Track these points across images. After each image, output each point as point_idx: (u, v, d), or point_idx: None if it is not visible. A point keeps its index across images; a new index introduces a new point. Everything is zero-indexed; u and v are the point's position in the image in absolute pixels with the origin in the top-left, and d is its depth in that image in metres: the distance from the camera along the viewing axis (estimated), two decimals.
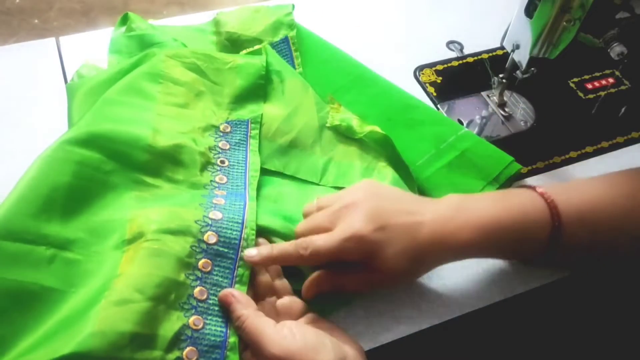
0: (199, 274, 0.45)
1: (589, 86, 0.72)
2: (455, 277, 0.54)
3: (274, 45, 0.67)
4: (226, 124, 0.58)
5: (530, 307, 0.57)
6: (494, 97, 0.69)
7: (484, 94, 0.70)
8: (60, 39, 0.71)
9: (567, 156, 0.65)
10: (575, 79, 0.73)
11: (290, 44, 0.68)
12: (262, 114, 0.60)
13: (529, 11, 0.58)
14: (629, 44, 0.58)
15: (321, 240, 0.46)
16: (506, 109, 0.68)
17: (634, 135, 0.67)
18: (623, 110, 0.70)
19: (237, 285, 0.46)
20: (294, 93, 0.61)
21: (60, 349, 0.39)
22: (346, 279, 0.48)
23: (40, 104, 0.64)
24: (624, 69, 0.74)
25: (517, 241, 0.49)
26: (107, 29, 0.72)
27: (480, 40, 0.75)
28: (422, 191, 0.58)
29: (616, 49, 0.58)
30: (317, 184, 0.57)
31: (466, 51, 0.75)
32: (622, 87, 0.73)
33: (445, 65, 0.73)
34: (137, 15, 0.69)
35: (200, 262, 0.46)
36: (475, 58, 0.74)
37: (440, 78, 0.71)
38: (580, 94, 0.71)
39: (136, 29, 0.67)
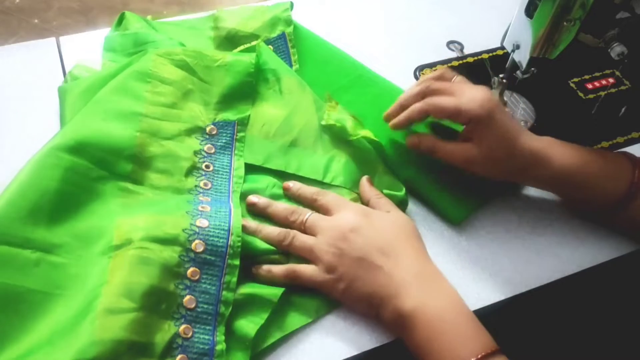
0: (188, 283, 0.46)
1: (589, 86, 0.72)
2: (455, 277, 0.54)
3: (270, 42, 0.67)
4: (212, 126, 0.58)
5: (530, 307, 0.57)
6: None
7: None
8: (60, 39, 0.71)
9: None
10: (575, 79, 0.73)
11: (287, 40, 0.68)
12: (249, 115, 0.60)
13: (529, 11, 0.58)
14: (629, 44, 0.58)
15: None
16: (506, 109, 0.68)
17: (634, 135, 0.67)
18: (623, 110, 0.70)
19: (224, 292, 0.47)
20: (292, 92, 0.61)
21: (61, 357, 0.40)
22: (446, 146, 0.55)
23: (40, 103, 0.64)
24: (624, 69, 0.74)
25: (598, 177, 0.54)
26: (106, 29, 0.71)
27: (480, 40, 0.75)
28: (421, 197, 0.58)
29: (616, 49, 0.58)
30: (321, 182, 0.57)
31: (466, 51, 0.75)
32: (622, 87, 0.73)
33: (446, 65, 0.73)
34: (133, 14, 0.69)
35: (189, 271, 0.46)
36: (475, 58, 0.74)
37: None
38: (580, 94, 0.71)
39: (131, 27, 0.67)
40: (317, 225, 0.51)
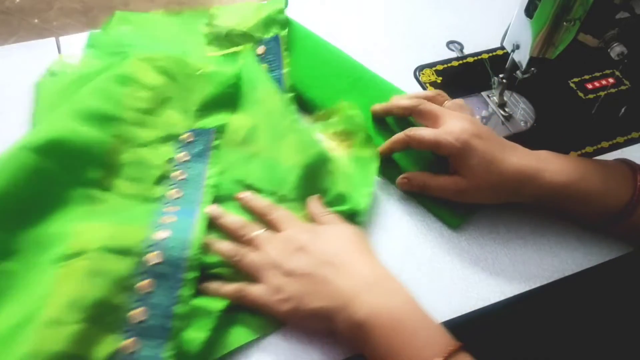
0: (140, 295, 0.45)
1: (589, 86, 0.72)
2: (455, 277, 0.54)
3: (264, 42, 0.67)
4: (190, 133, 0.57)
5: (530, 307, 0.57)
6: (494, 97, 0.69)
7: (484, 94, 0.70)
8: (60, 39, 0.71)
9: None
10: (575, 79, 0.73)
11: (280, 43, 0.67)
12: (227, 124, 0.59)
13: (529, 11, 0.58)
14: (629, 44, 0.58)
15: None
16: (506, 109, 0.68)
17: (634, 135, 0.67)
18: (623, 110, 0.70)
19: (177, 306, 0.45)
20: (264, 101, 0.59)
21: None
22: (436, 181, 0.56)
23: None
24: (624, 69, 0.74)
25: (599, 189, 0.53)
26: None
27: (480, 40, 0.75)
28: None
29: (616, 49, 0.58)
30: (276, 194, 0.55)
31: (466, 51, 0.75)
32: (622, 87, 0.73)
33: (445, 65, 0.73)
34: (125, 14, 0.69)
35: (143, 283, 0.45)
36: (475, 58, 0.74)
37: (440, 78, 0.71)
38: (580, 94, 0.71)
39: (118, 28, 0.67)
40: (265, 244, 0.50)
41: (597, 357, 0.65)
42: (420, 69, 0.72)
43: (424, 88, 0.70)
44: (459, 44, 0.76)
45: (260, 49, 0.67)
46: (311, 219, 0.54)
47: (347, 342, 0.47)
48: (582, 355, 0.64)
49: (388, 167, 0.59)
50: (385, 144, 0.59)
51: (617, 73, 0.74)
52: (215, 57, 0.66)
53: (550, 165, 0.54)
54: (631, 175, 0.54)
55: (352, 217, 0.55)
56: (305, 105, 0.65)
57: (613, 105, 0.70)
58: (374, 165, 0.58)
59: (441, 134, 0.55)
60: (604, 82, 0.73)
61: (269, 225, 0.53)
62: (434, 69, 0.72)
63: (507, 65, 0.65)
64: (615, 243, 0.57)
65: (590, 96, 0.71)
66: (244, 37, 0.67)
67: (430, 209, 0.58)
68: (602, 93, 0.72)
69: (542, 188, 0.53)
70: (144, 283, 0.45)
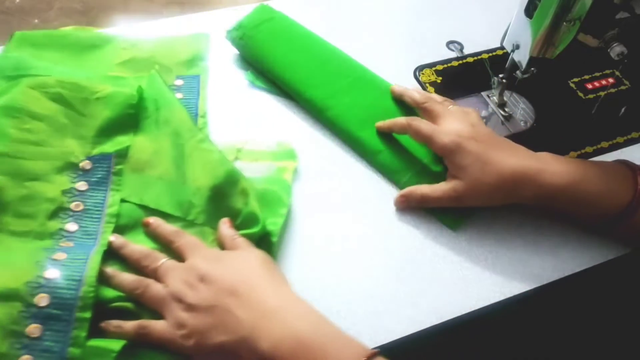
0: (26, 341, 0.42)
1: (589, 86, 0.72)
2: (455, 277, 0.54)
3: (183, 77, 0.66)
4: (87, 161, 0.55)
5: (530, 307, 0.57)
6: (494, 97, 0.69)
7: (484, 94, 0.70)
8: None
9: (567, 156, 0.65)
10: (575, 79, 0.73)
11: (200, 83, 0.66)
12: (128, 146, 0.56)
13: (529, 11, 0.58)
14: (629, 44, 0.58)
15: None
16: (506, 109, 0.68)
17: (634, 135, 0.67)
18: (623, 110, 0.70)
19: (71, 349, 0.43)
20: (168, 123, 0.57)
21: None
22: (434, 189, 0.56)
23: None
24: (624, 69, 0.74)
25: (599, 191, 0.53)
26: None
27: (480, 40, 0.75)
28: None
29: (616, 49, 0.58)
30: (183, 219, 0.53)
31: (466, 51, 0.75)
32: (622, 87, 0.73)
33: (445, 65, 0.73)
34: (25, 34, 0.67)
35: (29, 328, 0.43)
36: (475, 58, 0.74)
37: (440, 78, 0.71)
38: (580, 94, 0.71)
39: (16, 51, 0.65)
40: (167, 274, 0.48)
41: (597, 357, 0.65)
42: (420, 69, 0.72)
43: (424, 88, 0.70)
44: (459, 44, 0.76)
45: (179, 82, 0.66)
46: (221, 243, 0.52)
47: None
48: (582, 355, 0.64)
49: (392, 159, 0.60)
50: (386, 122, 0.61)
51: (617, 73, 0.74)
52: (117, 77, 0.64)
53: (550, 166, 0.54)
54: (631, 176, 0.54)
55: (264, 238, 0.52)
56: (305, 104, 0.65)
57: (613, 105, 0.70)
58: (290, 185, 0.57)
59: (438, 131, 0.57)
60: (604, 82, 0.73)
61: (176, 253, 0.51)
62: (434, 69, 0.72)
63: (507, 65, 0.65)
64: (615, 243, 0.57)
65: (590, 96, 0.71)
66: (162, 68, 0.65)
67: (431, 211, 0.58)
68: (602, 93, 0.72)
69: (541, 189, 0.53)
70: (31, 328, 0.43)
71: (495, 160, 0.54)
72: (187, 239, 0.51)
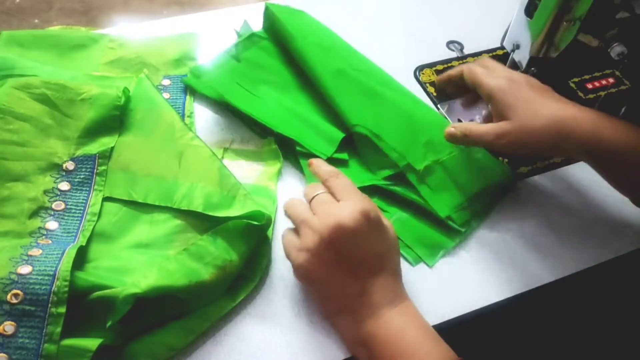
0: (0, 340, 0.42)
1: (589, 86, 0.72)
2: (455, 277, 0.54)
3: (172, 77, 0.66)
4: (71, 161, 0.55)
5: (530, 307, 0.57)
6: None
7: None
8: None
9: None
10: (576, 79, 0.73)
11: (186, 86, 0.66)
12: (112, 147, 0.57)
13: (529, 11, 0.58)
14: (629, 44, 0.58)
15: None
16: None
17: None
18: (623, 110, 0.70)
19: (46, 345, 0.43)
20: (157, 123, 0.58)
21: None
22: (479, 126, 0.56)
23: None
24: (624, 69, 0.74)
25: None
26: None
27: (480, 40, 0.76)
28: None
29: (616, 49, 0.58)
30: (172, 207, 0.53)
31: (466, 51, 0.75)
32: (622, 87, 0.73)
33: (445, 65, 0.73)
34: (13, 34, 0.67)
35: (2, 326, 0.43)
36: (475, 58, 0.74)
37: None
38: (581, 94, 0.71)
39: (4, 49, 0.65)
40: (319, 207, 0.49)
41: (597, 357, 0.65)
42: (420, 69, 0.72)
43: (424, 88, 0.70)
44: (459, 44, 0.76)
45: (166, 81, 0.66)
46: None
47: (349, 342, 0.49)
48: (582, 355, 0.64)
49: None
50: (444, 74, 0.65)
51: (617, 73, 0.74)
52: (102, 77, 0.64)
53: (605, 122, 0.52)
54: None
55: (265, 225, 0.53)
56: (324, 100, 0.64)
57: (613, 105, 0.70)
58: (275, 196, 0.58)
59: (489, 74, 0.58)
60: (604, 82, 0.73)
61: (329, 192, 0.51)
62: (434, 69, 0.72)
63: (507, 65, 0.65)
64: (616, 243, 0.57)
65: (591, 96, 0.71)
66: (149, 68, 0.66)
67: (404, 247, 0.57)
68: (602, 93, 0.72)
69: (593, 141, 0.51)
70: (3, 326, 0.43)
71: (549, 104, 0.53)
72: (340, 180, 0.52)
